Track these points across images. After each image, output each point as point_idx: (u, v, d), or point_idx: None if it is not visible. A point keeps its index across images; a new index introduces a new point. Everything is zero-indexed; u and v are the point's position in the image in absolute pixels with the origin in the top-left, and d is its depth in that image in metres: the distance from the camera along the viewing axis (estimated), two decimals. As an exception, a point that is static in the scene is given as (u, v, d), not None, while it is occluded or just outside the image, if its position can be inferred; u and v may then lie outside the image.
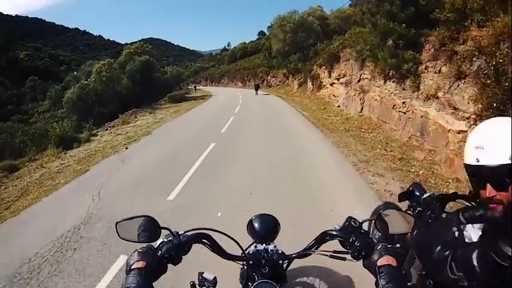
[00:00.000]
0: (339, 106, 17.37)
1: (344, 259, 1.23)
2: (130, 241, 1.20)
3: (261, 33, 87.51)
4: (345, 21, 23.62)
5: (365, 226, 1.28)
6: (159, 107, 25.81)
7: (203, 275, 1.24)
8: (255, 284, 1.21)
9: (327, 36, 25.85)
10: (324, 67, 21.09)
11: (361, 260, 1.17)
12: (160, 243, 1.19)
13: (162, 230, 1.21)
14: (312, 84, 23.89)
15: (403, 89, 10.43)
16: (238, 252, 1.30)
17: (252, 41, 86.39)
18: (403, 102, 10.01)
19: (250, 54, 72.31)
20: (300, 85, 28.04)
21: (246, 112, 17.44)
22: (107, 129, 17.94)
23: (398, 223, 1.26)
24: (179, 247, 1.18)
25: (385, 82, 11.70)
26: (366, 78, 13.97)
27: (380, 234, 1.48)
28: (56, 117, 29.63)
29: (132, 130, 14.32)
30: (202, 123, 14.51)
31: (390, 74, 11.17)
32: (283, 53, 30.91)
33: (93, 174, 7.88)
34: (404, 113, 9.86)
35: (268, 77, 43.81)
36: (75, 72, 33.98)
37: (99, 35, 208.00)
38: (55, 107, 32.93)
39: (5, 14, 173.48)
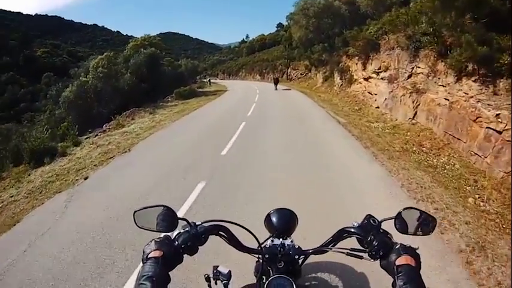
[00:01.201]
0: (378, 107, 13.83)
1: (361, 258, 1.20)
2: (148, 230, 1.20)
3: (280, 25, 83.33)
4: (380, 3, 19.74)
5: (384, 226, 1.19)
6: (164, 105, 22.82)
7: (218, 268, 1.23)
8: (270, 278, 1.18)
9: (356, 22, 22.01)
10: (356, 58, 17.46)
11: (378, 259, 1.12)
12: (177, 234, 1.17)
13: (179, 221, 1.19)
14: (341, 79, 20.26)
15: (494, 93, 6.91)
16: (254, 245, 1.26)
17: (270, 33, 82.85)
18: (497, 115, 6.46)
19: (269, 46, 69.11)
20: (325, 79, 24.40)
21: (262, 116, 13.35)
22: (97, 135, 15.27)
23: (419, 224, 1.22)
24: (196, 238, 1.16)
25: (458, 80, 8.17)
26: (421, 73, 10.43)
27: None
28: (54, 118, 27.33)
29: (116, 141, 11.24)
30: (203, 132, 11.08)
31: (469, 68, 7.65)
32: (305, 42, 27.20)
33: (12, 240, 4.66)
34: (500, 132, 6.32)
35: (289, 70, 40.12)
36: (76, 69, 31.14)
37: (117, 31, 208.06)
38: (56, 106, 30.53)
39: (25, 13, 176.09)
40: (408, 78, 11.21)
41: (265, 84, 37.50)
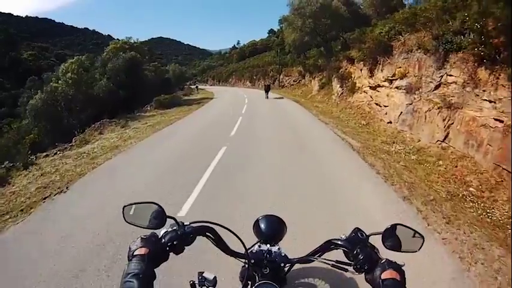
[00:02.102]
0: (390, 123, 11.42)
1: (346, 270, 1.20)
2: (135, 226, 1.20)
3: (271, 31, 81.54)
4: (384, 4, 17.58)
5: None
6: (142, 115, 20.24)
7: (203, 274, 1.22)
8: (256, 284, 1.19)
9: (356, 23, 19.74)
10: (360, 63, 15.06)
11: (363, 273, 1.12)
12: (164, 232, 1.17)
13: (168, 219, 1.19)
14: (341, 87, 17.83)
15: None
16: (241, 250, 1.25)
17: (262, 39, 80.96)
18: None
19: (260, 52, 66.89)
20: (321, 86, 21.98)
21: (249, 138, 10.27)
22: (56, 153, 12.39)
23: (406, 241, 1.22)
24: (183, 237, 1.15)
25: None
26: (455, 82, 8.05)
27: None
28: (21, 129, 24.48)
29: (64, 168, 8.46)
30: (175, 156, 8.34)
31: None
32: (299, 46, 24.79)
33: None
34: None
35: (281, 76, 37.69)
36: (51, 73, 28.12)
37: (108, 35, 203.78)
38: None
39: (15, 15, 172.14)
40: (435, 89, 8.79)
41: (256, 92, 35.01)
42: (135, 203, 1.23)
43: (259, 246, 1.36)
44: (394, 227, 1.22)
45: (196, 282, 1.21)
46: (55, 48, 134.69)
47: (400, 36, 11.42)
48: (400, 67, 10.87)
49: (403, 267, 1.07)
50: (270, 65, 45.27)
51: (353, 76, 16.81)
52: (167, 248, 1.13)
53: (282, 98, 25.60)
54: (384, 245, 1.21)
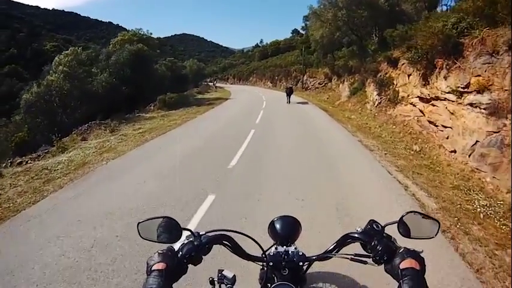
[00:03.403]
0: (453, 152, 8.12)
1: (365, 263, 1.19)
2: (151, 241, 1.20)
3: (295, 31, 78.80)
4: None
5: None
6: (140, 116, 17.84)
7: (223, 272, 1.22)
8: (273, 285, 1.17)
9: (393, 20, 16.32)
10: (409, 66, 11.77)
11: (383, 264, 1.12)
12: (181, 245, 1.16)
13: (184, 231, 1.19)
14: (379, 95, 14.48)
15: None
16: (258, 253, 1.25)
17: (285, 39, 77.02)
18: None
19: (283, 52, 63.36)
20: (353, 92, 18.55)
21: (257, 169, 7.05)
22: (26, 162, 10.67)
23: (422, 228, 1.23)
24: (199, 248, 1.15)
25: None
26: None
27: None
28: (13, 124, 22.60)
29: (6, 195, 6.31)
30: (143, 197, 5.52)
31: None
32: (327, 43, 21.36)
33: None
34: None
35: (304, 77, 34.24)
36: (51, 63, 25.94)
37: (132, 30, 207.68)
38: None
39: (42, 7, 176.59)
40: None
41: (276, 94, 31.72)
42: (149, 219, 1.20)
43: (276, 248, 1.32)
44: (408, 214, 1.22)
45: (216, 279, 1.20)
46: (79, 41, 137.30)
47: (475, 32, 8.10)
48: (478, 75, 7.53)
49: (421, 254, 1.07)
50: (293, 65, 41.88)
51: (395, 82, 13.47)
52: (185, 261, 1.12)
53: (307, 103, 22.10)
54: (400, 234, 1.21)
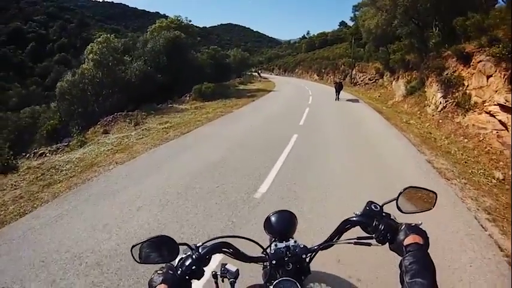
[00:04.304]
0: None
1: (369, 244, 1.18)
2: (148, 263, 1.12)
3: (343, 23, 74.38)
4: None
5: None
6: (172, 108, 16.77)
7: (226, 266, 1.22)
8: (274, 282, 1.14)
9: (461, 7, 13.54)
10: (488, 64, 9.37)
11: (387, 243, 1.13)
12: (179, 260, 1.11)
13: (180, 246, 1.12)
14: (445, 97, 12.03)
15: None
16: (259, 252, 1.23)
17: (333, 31, 73.03)
18: None
19: (330, 44, 59.96)
20: (410, 92, 15.98)
21: (300, 189, 5.46)
22: (43, 155, 10.49)
23: (419, 201, 1.25)
24: (199, 260, 1.10)
25: None
26: None
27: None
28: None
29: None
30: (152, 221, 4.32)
31: None
32: (381, 35, 18.71)
33: None
34: None
35: (353, 72, 31.46)
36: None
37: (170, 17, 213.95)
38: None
39: (93, 0, 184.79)
40: None
41: (323, 88, 29.42)
42: (142, 242, 1.10)
43: (276, 244, 1.27)
44: (405, 191, 1.23)
45: (219, 273, 1.20)
46: (127, 31, 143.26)
47: None
48: None
49: (421, 226, 1.09)
50: (341, 58, 38.99)
51: (466, 84, 11.01)
52: (187, 277, 1.07)
53: (357, 101, 19.65)
54: (400, 210, 1.21)
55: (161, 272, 1.04)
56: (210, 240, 1.17)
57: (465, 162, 7.90)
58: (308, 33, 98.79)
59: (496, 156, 8.38)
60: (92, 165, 7.22)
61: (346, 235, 1.25)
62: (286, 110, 15.49)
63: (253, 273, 1.46)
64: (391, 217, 1.17)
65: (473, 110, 10.26)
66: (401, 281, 0.93)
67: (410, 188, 1.24)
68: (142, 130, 11.08)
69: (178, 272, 1.07)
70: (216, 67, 32.71)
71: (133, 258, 1.10)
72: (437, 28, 15.12)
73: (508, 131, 8.76)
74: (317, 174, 6.31)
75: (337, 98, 19.37)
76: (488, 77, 9.53)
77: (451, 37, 13.37)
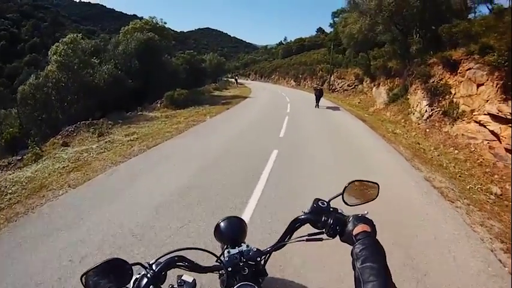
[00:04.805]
0: None
1: (321, 239, 1.20)
2: None
3: (320, 29, 75.59)
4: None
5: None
6: (142, 116, 15.45)
7: (182, 277, 1.18)
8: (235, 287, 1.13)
9: (443, 15, 13.39)
10: (479, 72, 9.02)
11: (338, 236, 1.17)
12: (134, 281, 1.06)
13: (133, 267, 1.06)
14: (431, 105, 11.67)
15: None
16: (214, 261, 1.21)
17: (310, 36, 73.49)
18: None
19: (308, 49, 60.09)
20: (393, 99, 15.67)
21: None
22: None
23: (363, 193, 1.31)
24: (155, 278, 1.06)
25: None
26: None
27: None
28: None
29: None
30: None
31: None
32: (362, 41, 18.34)
33: None
34: None
35: (331, 78, 31.25)
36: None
37: (145, 18, 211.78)
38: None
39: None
40: None
41: (300, 94, 28.90)
42: (91, 269, 1.02)
43: (229, 251, 1.28)
44: (350, 184, 1.28)
45: (175, 286, 1.16)
46: (103, 32, 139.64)
47: None
48: None
49: (367, 216, 1.14)
50: (318, 63, 38.85)
51: (454, 91, 10.68)
52: None
53: (338, 108, 18.95)
54: (346, 204, 1.27)
55: None
56: (163, 256, 1.13)
57: (459, 176, 7.41)
58: (285, 39, 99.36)
59: (490, 168, 7.97)
60: (41, 187, 5.96)
61: (298, 233, 1.26)
62: (264, 120, 14.38)
63: (212, 283, 1.40)
64: (339, 211, 1.22)
65: (461, 119, 9.91)
66: (354, 267, 0.96)
67: (354, 182, 1.28)
68: (106, 142, 9.81)
69: None
70: (191, 72, 31.69)
71: (84, 286, 1.02)
72: (419, 35, 14.91)
73: (500, 142, 8.40)
74: (303, 203, 5.53)
75: (317, 106, 18.83)
76: (478, 85, 9.18)
77: (434, 44, 13.12)
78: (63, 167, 7.46)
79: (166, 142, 9.63)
